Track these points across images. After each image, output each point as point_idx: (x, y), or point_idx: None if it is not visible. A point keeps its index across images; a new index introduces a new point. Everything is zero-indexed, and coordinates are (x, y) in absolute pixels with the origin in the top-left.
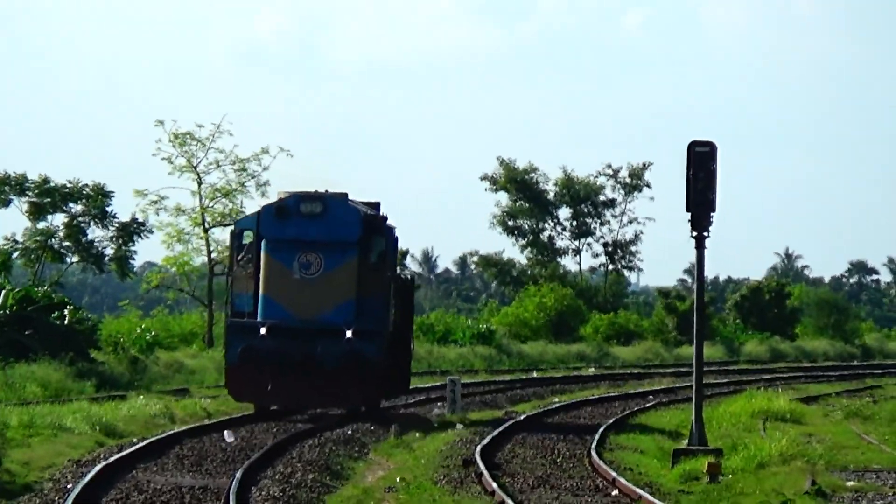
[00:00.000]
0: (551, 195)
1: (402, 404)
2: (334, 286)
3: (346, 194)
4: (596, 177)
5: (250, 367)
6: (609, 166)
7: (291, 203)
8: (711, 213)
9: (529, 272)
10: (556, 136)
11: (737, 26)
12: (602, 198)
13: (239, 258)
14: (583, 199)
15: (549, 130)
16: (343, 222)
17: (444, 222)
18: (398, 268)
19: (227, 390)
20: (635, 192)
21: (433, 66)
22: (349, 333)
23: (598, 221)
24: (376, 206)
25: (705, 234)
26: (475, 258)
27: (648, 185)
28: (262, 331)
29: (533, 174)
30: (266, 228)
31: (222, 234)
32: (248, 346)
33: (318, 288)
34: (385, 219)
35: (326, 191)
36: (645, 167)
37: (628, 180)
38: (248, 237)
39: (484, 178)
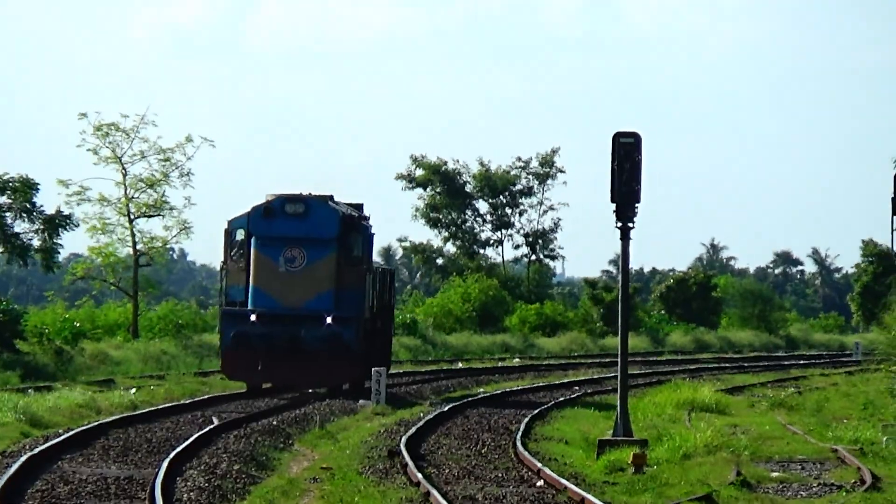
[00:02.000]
0: (469, 188)
1: (328, 395)
2: (316, 277)
3: (329, 196)
4: (510, 170)
5: (242, 350)
6: (519, 159)
7: (277, 204)
8: (636, 205)
9: (456, 262)
10: (474, 123)
11: (660, 13)
12: (519, 187)
13: (232, 253)
14: (500, 190)
15: (467, 117)
16: (323, 221)
17: (368, 211)
18: (378, 262)
19: (221, 371)
20: (549, 180)
21: (355, 52)
22: (329, 319)
23: (517, 211)
24: (359, 206)
25: (630, 225)
26: (405, 243)
27: (562, 171)
28: (253, 318)
29: (454, 165)
30: (255, 227)
31: (147, 225)
32: (240, 331)
33: (302, 279)
34: (364, 218)
35: (310, 193)
36: (554, 153)
37: (540, 169)
38: (239, 234)
39: (399, 177)
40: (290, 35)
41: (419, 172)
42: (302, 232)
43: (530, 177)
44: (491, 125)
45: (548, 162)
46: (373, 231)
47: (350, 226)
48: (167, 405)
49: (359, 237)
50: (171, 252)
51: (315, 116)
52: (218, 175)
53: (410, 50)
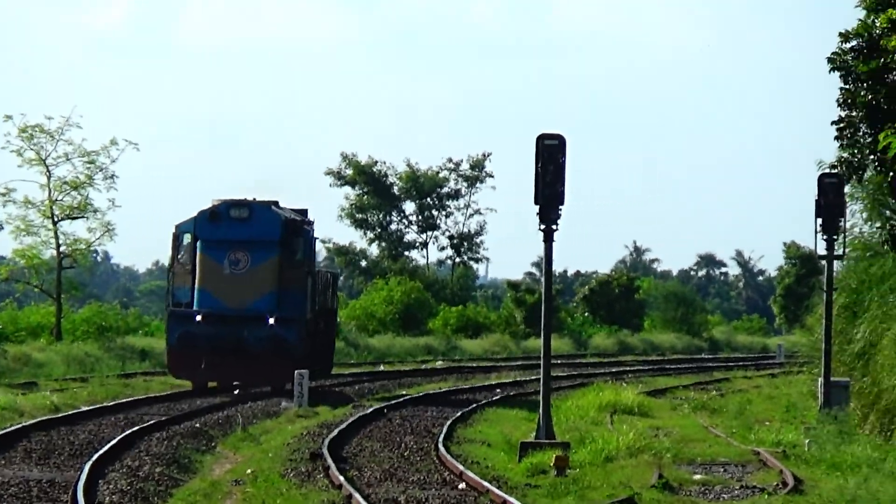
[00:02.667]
0: (396, 189)
1: (252, 397)
2: (259, 279)
3: (273, 202)
4: (439, 171)
5: (187, 350)
6: (450, 160)
7: (223, 209)
8: (560, 207)
9: (380, 264)
10: (400, 126)
11: (586, 16)
12: (446, 189)
13: (179, 256)
14: (427, 192)
15: (394, 120)
16: (266, 225)
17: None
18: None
19: (168, 369)
20: (478, 184)
21: (283, 53)
22: (272, 320)
23: (444, 214)
24: (303, 211)
25: (554, 227)
26: (328, 245)
27: (491, 175)
28: (198, 318)
29: (381, 167)
30: (201, 230)
31: (70, 227)
32: (186, 331)
33: (246, 281)
34: (307, 222)
35: (254, 198)
36: (485, 157)
37: (470, 172)
38: (186, 238)
39: (328, 173)
40: (220, 37)
41: (350, 171)
42: (246, 235)
43: (459, 179)
44: (421, 129)
45: (478, 165)
46: (315, 235)
47: (293, 230)
48: (90, 407)
49: (301, 241)
50: (94, 254)
51: (245, 118)
52: (143, 177)
53: (341, 53)
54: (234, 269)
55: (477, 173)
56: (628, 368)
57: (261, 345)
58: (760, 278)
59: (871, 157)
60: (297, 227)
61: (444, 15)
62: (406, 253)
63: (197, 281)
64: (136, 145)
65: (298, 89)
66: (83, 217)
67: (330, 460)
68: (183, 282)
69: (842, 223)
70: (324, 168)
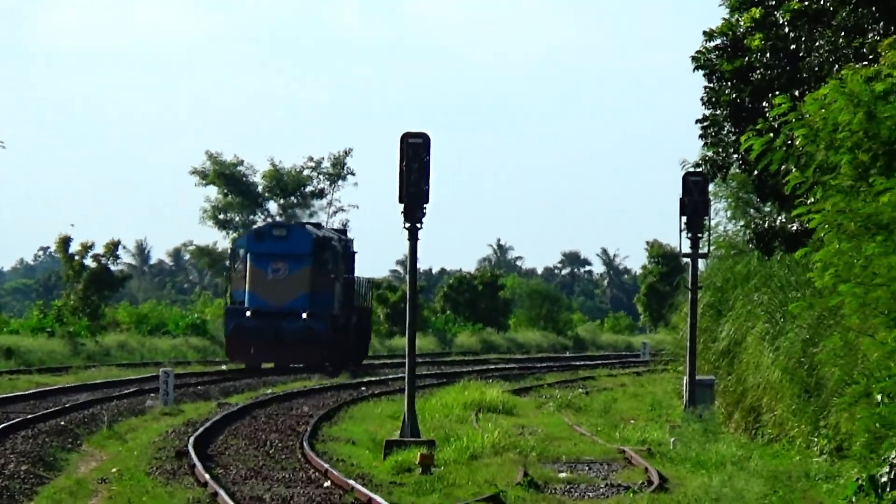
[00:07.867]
0: (260, 188)
1: (117, 395)
2: (295, 283)
3: (312, 223)
4: (301, 170)
5: (239, 338)
6: (311, 158)
7: (266, 229)
8: (425, 205)
9: None
10: (264, 125)
11: (448, 15)
12: (310, 188)
13: (235, 265)
14: (291, 191)
15: (257, 120)
16: (300, 242)
17: (159, 213)
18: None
19: (226, 354)
20: (339, 181)
21: (144, 52)
22: (305, 315)
23: (307, 213)
24: (343, 231)
25: (418, 225)
26: (190, 248)
27: (352, 173)
28: (248, 313)
29: (241, 167)
30: (250, 245)
31: None
32: (238, 323)
33: (285, 285)
34: (340, 240)
35: (293, 221)
36: (346, 154)
37: (332, 170)
38: (240, 251)
39: (193, 172)
40: (80, 37)
41: (212, 171)
42: (284, 250)
43: (321, 177)
44: (286, 128)
45: (339, 163)
46: (353, 250)
47: (322, 245)
48: None
49: (330, 254)
50: None
51: (103, 119)
52: (9, 177)
53: (204, 53)
54: (276, 276)
55: (338, 170)
56: (493, 367)
57: (296, 334)
58: (626, 276)
59: (736, 155)
60: (326, 243)
61: (304, 15)
62: None
63: (247, 285)
64: (2, 143)
65: (162, 89)
66: None
67: (195, 458)
68: (238, 285)
69: (706, 221)
70: (189, 167)
